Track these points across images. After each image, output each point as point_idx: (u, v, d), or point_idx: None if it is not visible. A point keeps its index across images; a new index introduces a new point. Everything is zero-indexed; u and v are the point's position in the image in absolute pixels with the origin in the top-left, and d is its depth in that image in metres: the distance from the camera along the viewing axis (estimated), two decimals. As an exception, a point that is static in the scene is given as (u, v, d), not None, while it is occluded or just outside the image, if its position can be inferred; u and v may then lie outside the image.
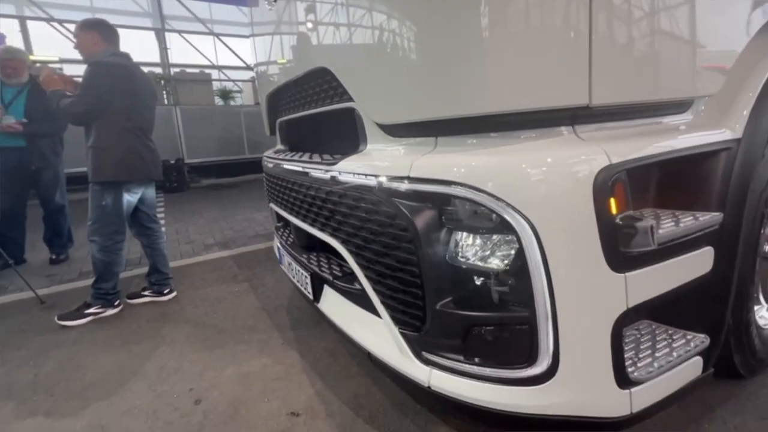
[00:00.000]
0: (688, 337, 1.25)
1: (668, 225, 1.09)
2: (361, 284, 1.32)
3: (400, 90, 1.13)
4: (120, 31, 2.55)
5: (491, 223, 0.98)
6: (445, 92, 1.01)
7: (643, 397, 1.12)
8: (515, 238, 0.96)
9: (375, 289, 1.26)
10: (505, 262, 1.00)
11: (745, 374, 1.55)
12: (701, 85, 1.19)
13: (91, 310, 2.55)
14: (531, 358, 1.02)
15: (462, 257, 1.05)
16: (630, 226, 0.97)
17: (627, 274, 1.01)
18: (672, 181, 1.25)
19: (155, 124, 2.63)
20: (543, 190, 0.94)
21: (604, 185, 0.95)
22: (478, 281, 1.04)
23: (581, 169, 0.94)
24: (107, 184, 2.38)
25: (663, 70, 1.07)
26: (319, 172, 1.45)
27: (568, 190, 0.94)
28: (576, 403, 1.05)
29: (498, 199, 0.94)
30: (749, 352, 1.48)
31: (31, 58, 4.48)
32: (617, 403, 1.09)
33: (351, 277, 1.46)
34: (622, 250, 0.99)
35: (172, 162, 7.85)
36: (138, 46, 8.16)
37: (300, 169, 1.63)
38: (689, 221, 1.13)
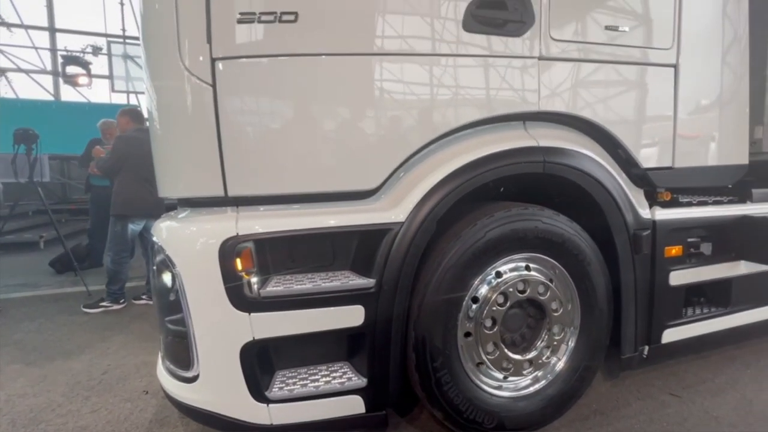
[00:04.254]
0: (351, 377, 1.53)
1: (299, 283, 1.47)
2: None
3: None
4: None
5: (168, 266, 1.52)
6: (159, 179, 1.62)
7: (285, 414, 1.48)
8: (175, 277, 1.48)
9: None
10: (177, 292, 1.52)
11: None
12: (355, 181, 1.54)
13: (103, 304, 3.61)
14: (190, 364, 1.49)
15: (166, 284, 1.59)
16: (240, 279, 1.41)
17: (252, 314, 1.43)
18: (350, 248, 1.60)
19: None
20: (187, 247, 1.46)
21: (230, 249, 1.42)
22: (171, 304, 1.56)
23: (213, 237, 1.43)
24: (117, 216, 3.47)
25: (302, 170, 1.49)
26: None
27: (202, 250, 1.44)
28: (217, 403, 1.48)
29: (163, 248, 1.49)
30: (451, 410, 1.62)
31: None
32: (256, 413, 1.47)
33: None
34: (245, 296, 1.42)
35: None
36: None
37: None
38: (331, 282, 1.48)
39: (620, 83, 1.96)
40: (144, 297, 3.79)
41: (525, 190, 1.98)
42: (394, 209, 1.57)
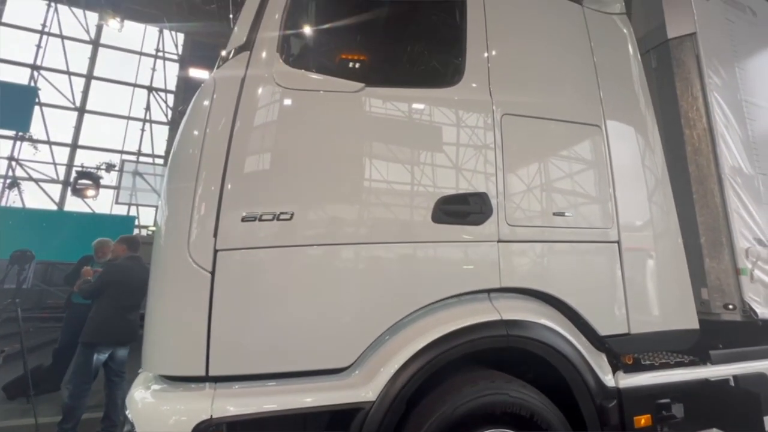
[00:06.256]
0: None
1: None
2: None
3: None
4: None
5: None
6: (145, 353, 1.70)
7: None
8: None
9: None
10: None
11: None
12: (330, 360, 1.65)
13: (52, 446, 3.29)
14: None
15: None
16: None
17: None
18: (322, 423, 1.62)
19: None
20: (158, 427, 1.47)
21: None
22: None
23: (186, 416, 1.46)
24: (85, 344, 3.41)
25: (281, 351, 1.61)
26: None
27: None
28: None
29: (133, 423, 1.51)
30: None
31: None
32: None
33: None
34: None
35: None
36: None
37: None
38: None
39: (572, 258, 2.24)
40: (98, 437, 3.48)
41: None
42: (365, 387, 1.65)
